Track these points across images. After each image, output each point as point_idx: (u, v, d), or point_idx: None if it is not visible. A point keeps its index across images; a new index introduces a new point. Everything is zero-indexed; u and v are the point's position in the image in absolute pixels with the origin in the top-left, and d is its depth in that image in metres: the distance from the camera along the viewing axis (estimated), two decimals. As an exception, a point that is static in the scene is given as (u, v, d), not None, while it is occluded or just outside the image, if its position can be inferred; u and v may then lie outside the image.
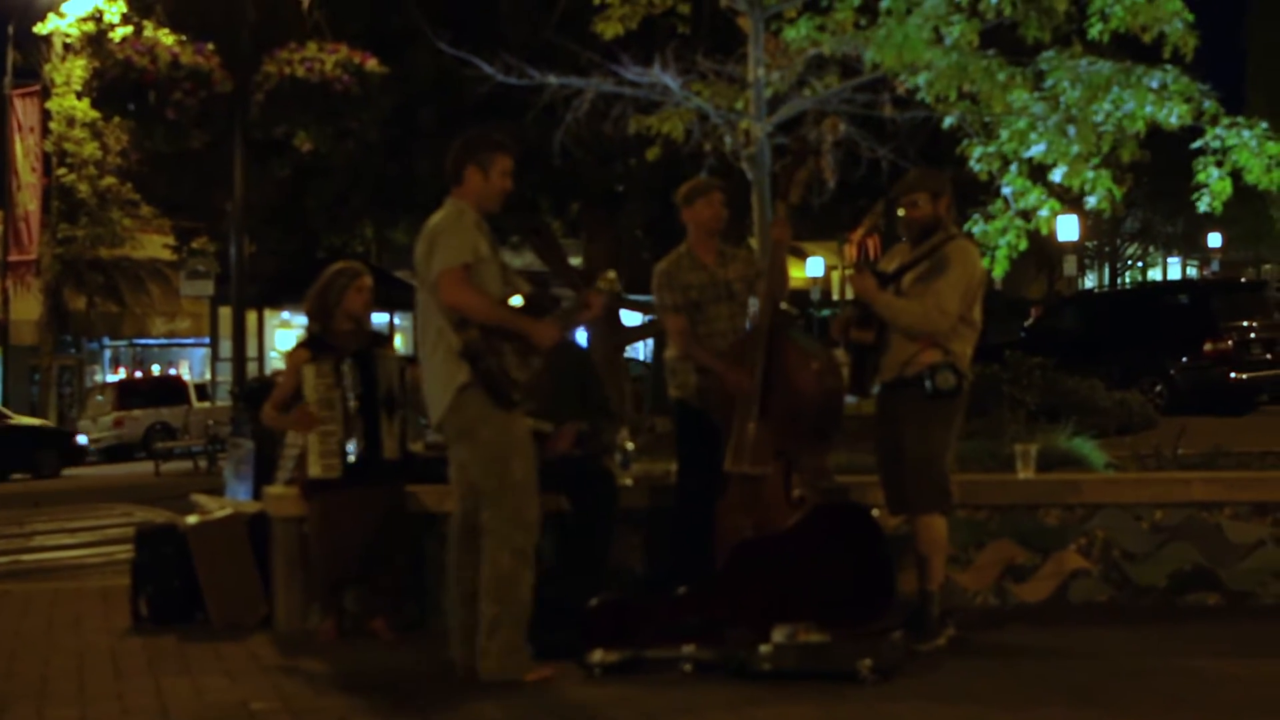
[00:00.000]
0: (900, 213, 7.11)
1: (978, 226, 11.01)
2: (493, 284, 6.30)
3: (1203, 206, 10.77)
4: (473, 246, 6.23)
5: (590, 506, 7.25)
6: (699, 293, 7.33)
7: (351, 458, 7.31)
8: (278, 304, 32.56)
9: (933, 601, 6.86)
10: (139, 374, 40.27)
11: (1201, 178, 10.64)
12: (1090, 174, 10.59)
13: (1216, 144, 10.52)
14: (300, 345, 7.65)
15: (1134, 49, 11.09)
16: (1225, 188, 10.60)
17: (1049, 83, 10.60)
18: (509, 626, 6.24)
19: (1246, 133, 10.45)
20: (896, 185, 7.19)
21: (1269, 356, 20.56)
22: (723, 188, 7.61)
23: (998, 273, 11.11)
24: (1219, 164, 10.55)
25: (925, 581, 6.88)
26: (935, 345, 6.81)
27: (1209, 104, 10.50)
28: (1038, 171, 10.94)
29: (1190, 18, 10.37)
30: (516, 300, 6.38)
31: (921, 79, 10.33)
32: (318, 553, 7.41)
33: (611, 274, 6.76)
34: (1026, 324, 29.46)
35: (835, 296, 44.63)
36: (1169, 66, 10.47)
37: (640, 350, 35.63)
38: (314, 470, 7.31)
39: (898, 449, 6.90)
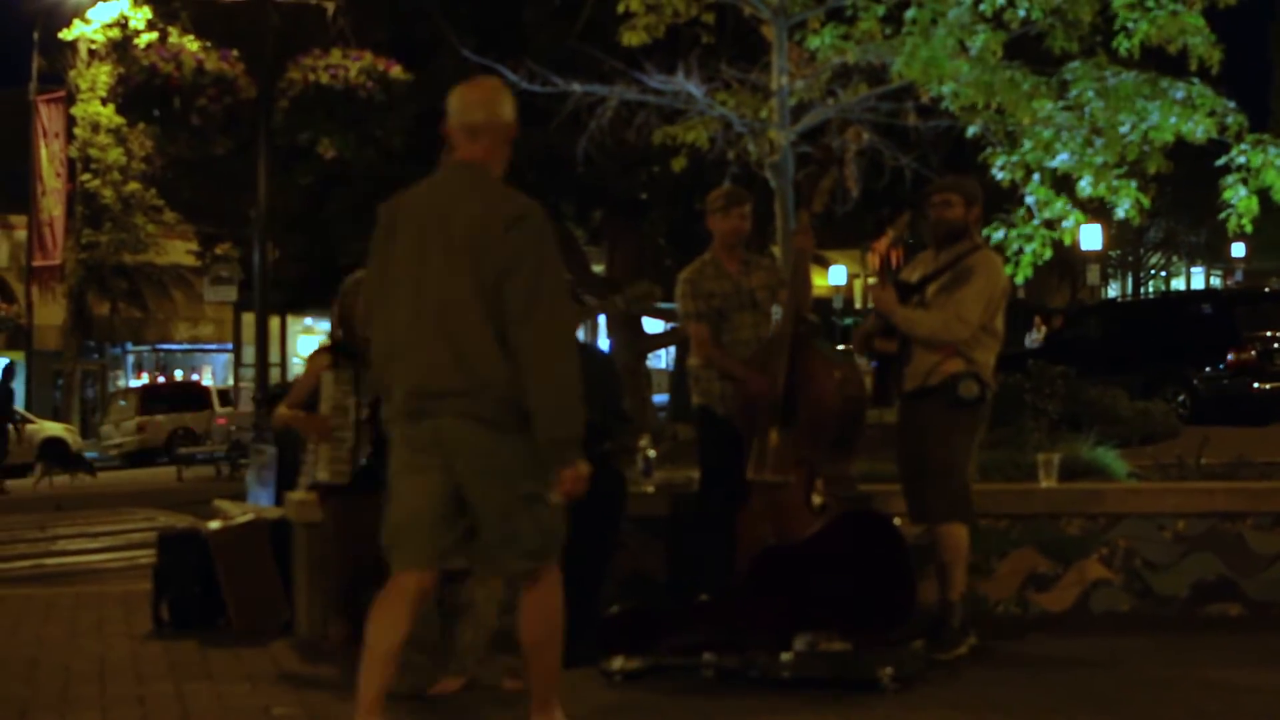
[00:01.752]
0: (931, 212, 7.08)
1: (999, 233, 10.99)
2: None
3: (1231, 225, 10.71)
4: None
5: (592, 506, 7.14)
6: (722, 301, 7.31)
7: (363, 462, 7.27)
8: (301, 310, 32.65)
9: (954, 610, 6.84)
10: (162, 379, 40.43)
11: (1228, 195, 10.57)
12: (1115, 182, 10.56)
13: (1242, 160, 10.46)
14: (322, 350, 7.64)
15: (1162, 62, 11.05)
16: (1252, 205, 10.52)
17: (1073, 93, 10.57)
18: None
19: (1272, 149, 10.39)
20: (931, 184, 7.19)
21: (1292, 367, 20.42)
22: (750, 200, 7.58)
23: (1020, 278, 11.07)
24: (1245, 181, 10.49)
25: (947, 590, 6.87)
26: (958, 354, 6.81)
27: (1232, 119, 10.45)
28: (1061, 182, 10.91)
29: (1212, 38, 10.33)
30: None
31: (946, 89, 10.32)
32: (332, 558, 7.40)
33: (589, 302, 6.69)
34: (1031, 335, 29.31)
35: (858, 305, 44.64)
36: (1194, 80, 10.43)
37: (662, 357, 35.64)
38: (321, 474, 7.26)
39: (920, 458, 6.89)
